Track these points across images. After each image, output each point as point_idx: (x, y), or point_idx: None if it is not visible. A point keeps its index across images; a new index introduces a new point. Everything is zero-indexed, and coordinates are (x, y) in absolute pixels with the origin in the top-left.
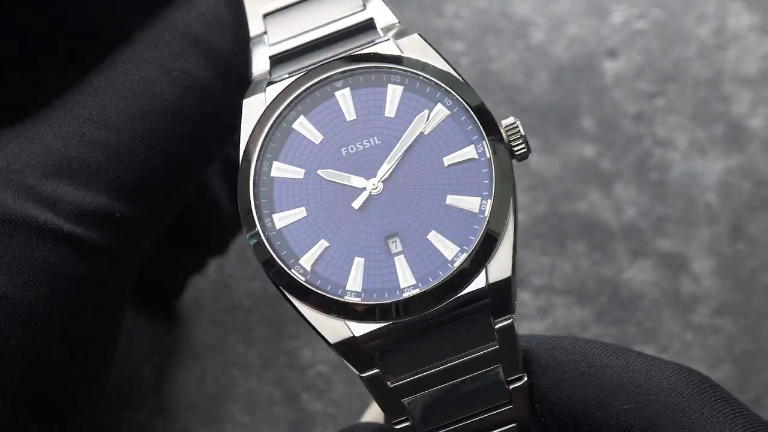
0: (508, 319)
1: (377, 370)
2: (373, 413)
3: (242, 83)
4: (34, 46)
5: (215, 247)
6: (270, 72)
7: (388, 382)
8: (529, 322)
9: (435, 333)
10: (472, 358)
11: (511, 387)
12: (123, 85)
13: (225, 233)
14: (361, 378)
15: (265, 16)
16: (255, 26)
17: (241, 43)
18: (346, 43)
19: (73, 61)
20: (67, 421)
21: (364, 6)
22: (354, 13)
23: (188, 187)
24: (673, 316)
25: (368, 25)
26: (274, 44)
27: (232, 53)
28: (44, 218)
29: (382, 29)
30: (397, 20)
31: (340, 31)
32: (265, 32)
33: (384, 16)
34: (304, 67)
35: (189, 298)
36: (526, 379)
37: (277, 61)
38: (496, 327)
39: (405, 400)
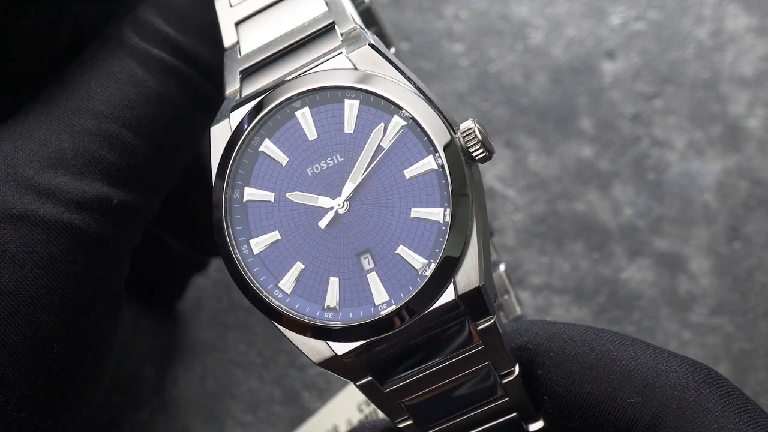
0: (489, 320)
1: (370, 378)
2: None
3: (210, 71)
4: (39, 55)
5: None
6: (240, 88)
7: (383, 388)
8: (519, 322)
9: (418, 341)
10: (461, 359)
11: (504, 381)
12: (106, 75)
13: None
14: (356, 386)
15: (237, 24)
16: (228, 36)
17: (207, 40)
18: (310, 50)
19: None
20: (69, 413)
21: (328, 5)
22: (318, 17)
23: (176, 172)
24: (671, 315)
25: (330, 29)
26: (244, 56)
27: (203, 44)
28: (44, 210)
29: (341, 33)
30: (354, 24)
31: (305, 38)
32: (238, 42)
33: (344, 21)
34: (270, 83)
35: (190, 297)
36: (517, 372)
37: (246, 75)
38: (477, 329)
39: (402, 401)
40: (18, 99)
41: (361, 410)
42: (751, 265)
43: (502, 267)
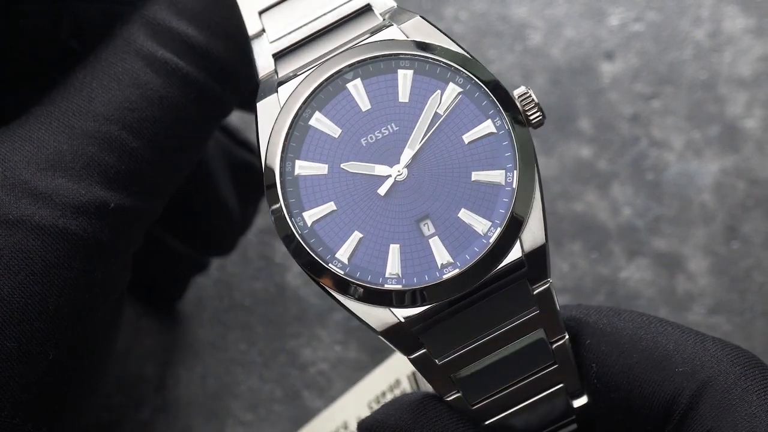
0: (546, 283)
1: (425, 350)
2: (357, 393)
3: (221, 72)
4: (39, 55)
5: (222, 247)
6: (276, 70)
7: (436, 360)
8: (568, 305)
9: (477, 307)
10: (515, 325)
11: (554, 347)
12: (108, 77)
13: (233, 234)
14: (410, 359)
15: (261, 13)
16: (252, 25)
17: (221, 34)
18: (347, 30)
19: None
20: (65, 419)
21: None
22: (349, 1)
23: (179, 176)
24: (669, 314)
25: (366, 10)
26: (275, 41)
27: (210, 44)
28: (40, 215)
29: (381, 14)
30: (395, 4)
31: (339, 19)
32: (263, 30)
33: (380, 1)
34: (310, 62)
35: (191, 297)
36: (567, 338)
37: (280, 57)
38: (535, 293)
39: (454, 375)
40: (18, 99)
41: (371, 408)
42: (749, 264)
43: None
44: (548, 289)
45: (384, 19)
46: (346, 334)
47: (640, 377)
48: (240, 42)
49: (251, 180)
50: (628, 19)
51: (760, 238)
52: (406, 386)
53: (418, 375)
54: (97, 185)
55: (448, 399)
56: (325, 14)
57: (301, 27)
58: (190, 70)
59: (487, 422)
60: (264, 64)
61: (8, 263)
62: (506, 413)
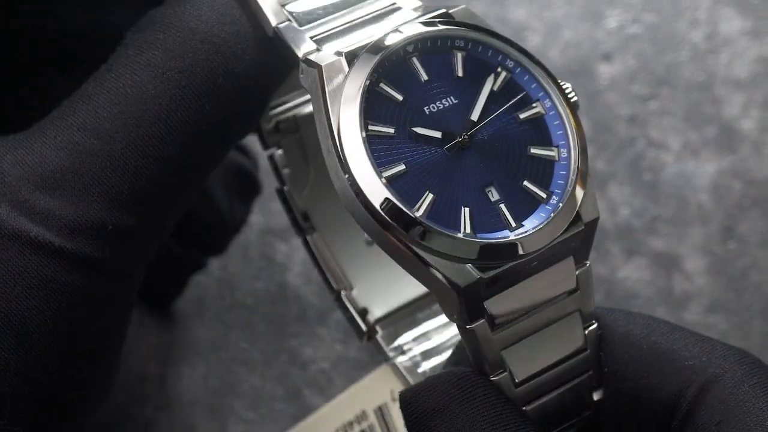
0: (585, 264)
1: (483, 320)
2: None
3: (246, 77)
4: (38, 55)
5: (214, 247)
6: (319, 48)
7: (492, 333)
8: None
9: (533, 278)
10: (559, 305)
11: (587, 332)
12: (116, 90)
13: (225, 234)
14: (468, 330)
15: (283, 5)
16: (276, 15)
17: (245, 34)
18: (382, 24)
19: (78, 68)
20: (65, 428)
21: None
22: (375, 1)
23: (190, 191)
24: (667, 313)
25: (396, 8)
26: (308, 27)
27: (234, 44)
28: (36, 232)
29: (414, 9)
30: (420, 2)
31: (370, 14)
32: (289, 19)
33: (408, 0)
34: (362, 39)
35: (193, 296)
36: (596, 324)
37: (321, 41)
38: (577, 272)
39: (504, 351)
40: (16, 99)
41: (395, 399)
42: (746, 264)
43: None
44: (588, 270)
45: (421, 12)
46: (346, 333)
47: (649, 368)
48: (267, 49)
49: (243, 181)
50: (625, 21)
51: (757, 238)
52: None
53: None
54: (97, 205)
55: (495, 377)
56: (352, 8)
57: (334, 18)
58: (208, 78)
59: (526, 408)
60: (303, 44)
61: (4, 276)
62: (543, 400)
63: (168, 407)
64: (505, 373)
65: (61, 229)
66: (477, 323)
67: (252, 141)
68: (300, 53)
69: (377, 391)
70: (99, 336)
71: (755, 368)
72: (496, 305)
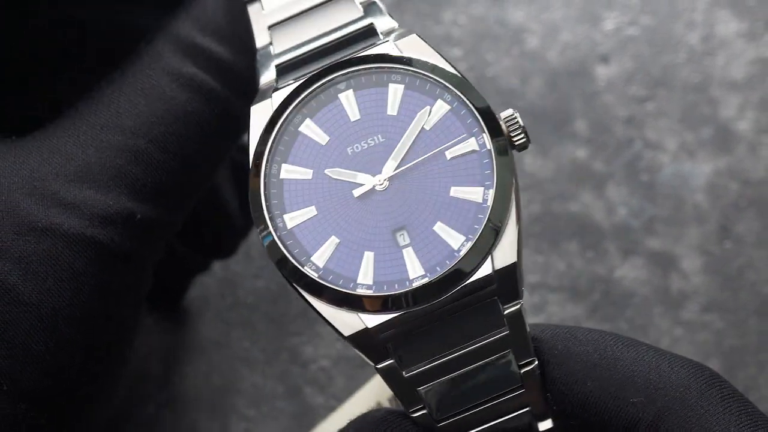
0: (517, 305)
1: (392, 361)
2: (362, 397)
3: (244, 87)
4: (49, 56)
5: (225, 251)
6: (276, 80)
7: (403, 372)
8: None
9: (446, 322)
10: (484, 344)
11: (522, 371)
12: (135, 92)
13: (235, 237)
14: (377, 369)
15: (270, 27)
16: (261, 38)
17: (243, 49)
18: (348, 49)
19: (89, 69)
20: (84, 422)
21: (365, 13)
22: (354, 21)
23: (200, 189)
24: (663, 312)
25: (369, 31)
26: (279, 54)
27: (233, 60)
28: (69, 224)
29: (382, 33)
30: (396, 24)
31: (342, 37)
32: (271, 43)
33: (384, 22)
34: (308, 73)
35: (196, 295)
36: (536, 363)
37: (283, 70)
38: (505, 313)
39: (420, 389)
40: (20, 99)
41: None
42: (742, 263)
43: None
44: (519, 311)
45: (382, 37)
46: None
47: (596, 406)
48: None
49: None
50: (622, 23)
51: (753, 238)
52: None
53: None
54: (124, 197)
55: (414, 415)
56: (329, 32)
57: (306, 42)
58: (214, 85)
59: None
60: (267, 75)
61: (36, 269)
62: None
63: (170, 405)
64: (424, 411)
65: (92, 218)
66: (384, 363)
67: None
68: (259, 83)
69: (378, 393)
70: (118, 330)
71: (708, 388)
72: (402, 348)
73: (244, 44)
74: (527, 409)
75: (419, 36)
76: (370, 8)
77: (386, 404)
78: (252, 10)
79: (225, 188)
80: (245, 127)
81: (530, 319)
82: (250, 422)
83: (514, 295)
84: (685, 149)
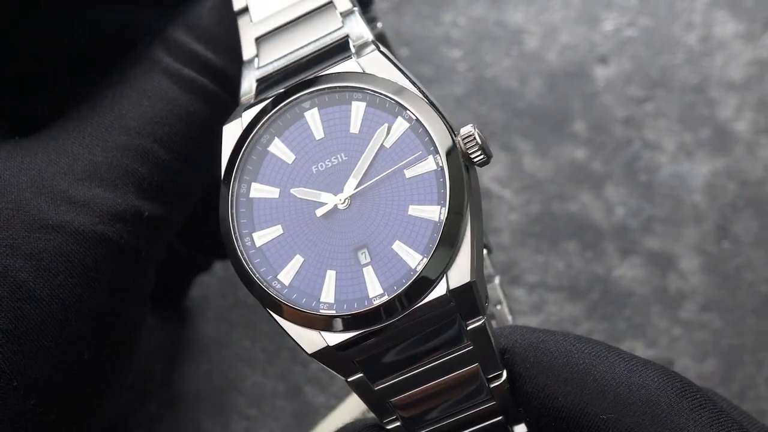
0: (479, 320)
1: (361, 375)
2: (352, 403)
3: (237, 92)
4: (50, 56)
5: (224, 252)
6: (255, 95)
7: (373, 386)
8: (522, 317)
9: (412, 337)
10: (450, 359)
11: (491, 385)
12: (138, 94)
13: None
14: (347, 382)
15: (257, 39)
16: (248, 50)
17: (235, 59)
18: (323, 62)
19: (89, 69)
20: (92, 418)
21: (343, 23)
22: (334, 31)
23: (201, 188)
24: (662, 312)
25: (344, 44)
26: (261, 67)
27: (227, 67)
28: (78, 221)
29: (354, 45)
30: (368, 36)
31: (319, 50)
32: (257, 55)
33: (357, 32)
34: (280, 89)
35: (197, 295)
36: (505, 376)
37: (262, 83)
38: (468, 329)
39: (392, 401)
40: (29, 101)
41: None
42: (739, 263)
43: (497, 280)
44: (482, 326)
45: (353, 52)
46: None
47: (567, 421)
48: None
49: None
50: (621, 25)
51: (750, 238)
52: None
53: None
54: (132, 195)
55: (388, 427)
56: (309, 44)
57: (288, 54)
58: (213, 88)
59: None
60: (246, 88)
61: (48, 266)
62: None
63: (172, 404)
64: (398, 423)
65: (102, 216)
66: (354, 377)
67: None
68: (240, 98)
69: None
70: (126, 326)
71: (679, 399)
72: (373, 361)
73: (237, 54)
74: (500, 418)
75: (382, 53)
76: (348, 17)
77: None
78: (242, 21)
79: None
80: None
81: (529, 319)
82: (250, 421)
83: (474, 312)
84: (683, 149)
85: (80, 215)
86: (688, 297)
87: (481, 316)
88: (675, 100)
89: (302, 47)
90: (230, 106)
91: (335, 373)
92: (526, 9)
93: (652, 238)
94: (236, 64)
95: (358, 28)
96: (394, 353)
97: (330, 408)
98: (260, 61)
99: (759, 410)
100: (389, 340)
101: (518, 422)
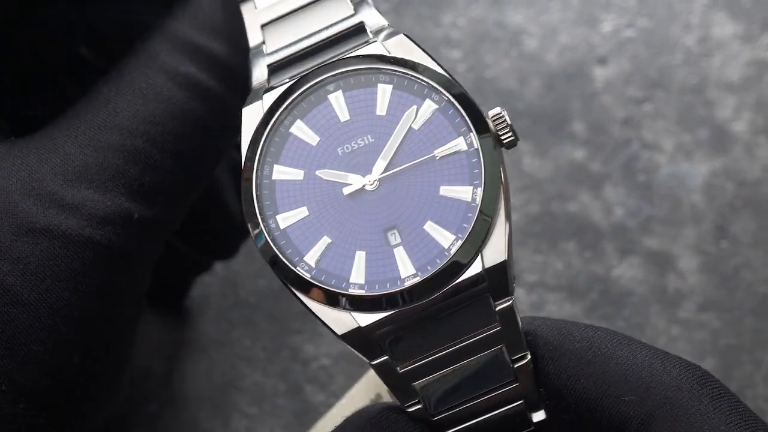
0: (508, 301)
1: (386, 357)
2: (360, 390)
3: (240, 86)
4: (50, 56)
5: (226, 251)
6: (268, 80)
7: (398, 368)
8: (522, 317)
9: (439, 318)
10: (476, 340)
11: (516, 366)
12: (132, 92)
13: (236, 238)
14: (371, 365)
15: (263, 26)
16: (254, 37)
17: (239, 48)
18: (338, 47)
19: (89, 68)
20: (85, 421)
21: (355, 11)
22: (345, 18)
23: (198, 187)
24: (660, 311)
25: (359, 29)
26: (271, 53)
27: (229, 58)
28: (66, 225)
29: (372, 32)
30: (386, 23)
31: (332, 36)
32: (264, 42)
33: (373, 20)
34: (298, 73)
35: (197, 295)
36: (529, 357)
37: (274, 69)
38: (497, 309)
39: (415, 384)
40: (28, 100)
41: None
42: (738, 263)
43: None
44: (510, 307)
45: (371, 36)
46: None
47: (588, 403)
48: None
49: None
50: (620, 26)
51: (748, 238)
52: None
53: None
54: (122, 197)
55: (410, 410)
56: (321, 30)
57: (298, 41)
58: (212, 84)
59: None
60: (258, 74)
61: (35, 270)
62: (466, 425)
63: (172, 403)
64: (419, 406)
65: (90, 219)
66: (379, 360)
67: None
68: (252, 84)
69: (374, 385)
70: (118, 329)
71: (700, 387)
72: (396, 345)
73: (240, 42)
74: (521, 402)
75: (407, 36)
76: (360, 5)
77: (386, 396)
78: (245, 8)
79: (225, 189)
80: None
81: None
82: (251, 420)
83: (505, 292)
84: (681, 150)
85: (68, 218)
86: (686, 297)
87: (510, 297)
88: (673, 101)
89: (313, 34)
90: (229, 101)
91: (360, 355)
92: (525, 10)
93: (651, 238)
94: (239, 53)
95: (373, 16)
96: (421, 335)
97: (330, 407)
98: (268, 48)
99: (757, 409)
100: (420, 321)
101: (538, 408)
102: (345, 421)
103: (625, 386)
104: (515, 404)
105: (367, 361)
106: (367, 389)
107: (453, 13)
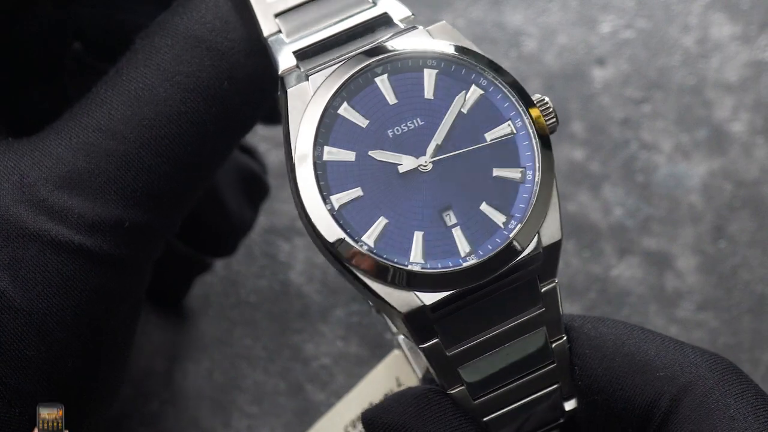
0: (552, 282)
1: (437, 340)
2: (381, 373)
3: (248, 82)
4: (49, 55)
5: (223, 249)
6: (298, 66)
7: (447, 351)
8: None
9: (492, 299)
10: (521, 321)
11: (554, 346)
12: (128, 93)
13: (234, 236)
14: (421, 349)
15: (277, 15)
16: (268, 26)
17: (247, 41)
18: (368, 36)
19: (89, 69)
20: (83, 425)
21: (375, 2)
22: (365, 10)
23: (199, 189)
24: (659, 311)
25: (385, 20)
26: (294, 40)
27: (237, 52)
28: (56, 231)
29: (400, 21)
30: (411, 12)
31: (357, 26)
32: (280, 30)
33: (398, 10)
34: (336, 57)
35: (198, 294)
36: (565, 338)
37: (303, 55)
38: (542, 290)
39: (460, 368)
40: (28, 101)
41: (400, 384)
42: (736, 263)
43: None
44: (555, 288)
45: (402, 25)
46: (347, 330)
47: (622, 380)
48: (266, 55)
49: (252, 184)
50: (618, 27)
51: (747, 238)
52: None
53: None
54: (113, 203)
55: (452, 392)
56: (343, 19)
57: (321, 29)
58: (212, 82)
59: (486, 419)
60: (286, 59)
61: (26, 275)
62: (505, 410)
63: (173, 402)
64: (462, 387)
65: (80, 227)
66: (429, 343)
67: (258, 143)
68: (280, 69)
69: (384, 381)
70: (113, 332)
71: (727, 374)
72: (450, 325)
73: (245, 33)
74: (557, 385)
75: (448, 23)
76: None
77: (406, 382)
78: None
79: (225, 188)
80: (245, 125)
81: None
82: (251, 419)
83: (553, 272)
84: (680, 150)
85: (58, 225)
86: (684, 296)
87: (554, 279)
88: (672, 102)
89: (333, 23)
90: (228, 99)
91: (412, 339)
92: (524, 11)
93: (650, 237)
94: (244, 45)
95: (395, 5)
96: (472, 317)
97: (331, 406)
98: (288, 36)
99: None
100: (479, 299)
101: (571, 396)
102: (388, 398)
103: (659, 363)
104: (551, 389)
105: (417, 344)
106: (388, 374)
107: (452, 15)
